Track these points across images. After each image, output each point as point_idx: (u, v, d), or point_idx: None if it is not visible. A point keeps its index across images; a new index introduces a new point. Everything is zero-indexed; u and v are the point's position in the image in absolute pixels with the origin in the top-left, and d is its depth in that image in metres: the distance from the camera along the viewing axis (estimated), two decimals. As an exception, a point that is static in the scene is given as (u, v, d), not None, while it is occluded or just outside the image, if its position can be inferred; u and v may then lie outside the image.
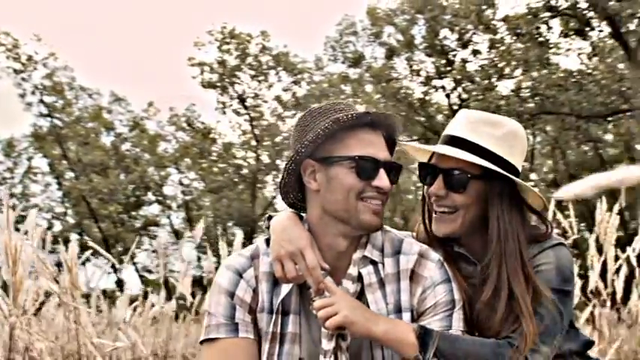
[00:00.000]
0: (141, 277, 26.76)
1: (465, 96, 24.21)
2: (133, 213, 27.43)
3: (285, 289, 2.01)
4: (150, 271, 27.70)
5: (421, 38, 24.52)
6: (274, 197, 27.46)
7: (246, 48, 25.51)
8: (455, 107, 24.83)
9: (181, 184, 27.24)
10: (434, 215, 2.18)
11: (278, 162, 26.56)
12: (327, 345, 1.95)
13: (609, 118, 20.11)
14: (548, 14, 19.41)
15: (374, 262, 2.03)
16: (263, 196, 27.52)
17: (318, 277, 1.94)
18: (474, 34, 23.53)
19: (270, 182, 27.50)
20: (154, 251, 27.69)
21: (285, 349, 1.99)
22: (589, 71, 20.28)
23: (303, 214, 2.10)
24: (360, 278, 2.01)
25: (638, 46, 18.32)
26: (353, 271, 2.01)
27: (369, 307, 1.98)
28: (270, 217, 2.12)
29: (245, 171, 26.27)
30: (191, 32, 46.84)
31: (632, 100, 17.91)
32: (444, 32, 23.88)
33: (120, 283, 23.82)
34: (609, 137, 24.57)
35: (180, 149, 26.71)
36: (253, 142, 26.48)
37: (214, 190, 25.75)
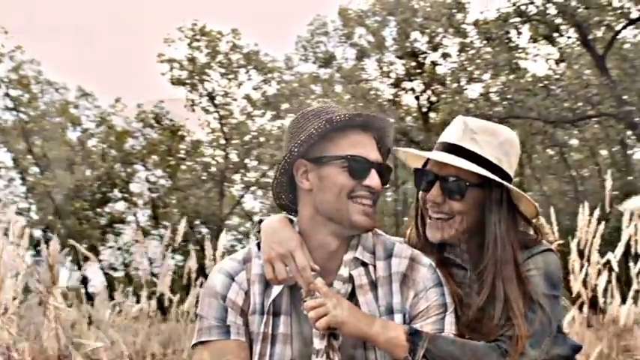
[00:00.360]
0: (105, 274, 26.46)
1: (434, 99, 24.41)
2: (99, 210, 27.08)
3: (276, 290, 2.02)
4: (114, 269, 27.41)
5: (392, 40, 24.67)
6: (242, 196, 27.36)
7: (216, 46, 25.35)
8: (424, 109, 25.04)
9: (148, 181, 26.99)
10: (429, 221, 2.20)
11: (247, 161, 26.48)
12: (319, 344, 1.97)
13: (576, 124, 20.40)
14: (518, 19, 19.62)
15: (365, 264, 2.05)
16: (231, 194, 27.39)
17: (308, 278, 1.96)
18: (444, 37, 23.74)
19: (239, 181, 27.39)
20: (119, 248, 27.44)
21: (277, 349, 2.00)
22: (556, 77, 20.57)
23: (294, 218, 2.11)
24: (350, 279, 2.03)
25: (605, 53, 18.62)
26: (344, 272, 2.02)
27: (360, 308, 1.99)
28: (260, 221, 2.15)
29: (213, 169, 26.11)
30: (161, 29, 46.51)
31: (598, 107, 18.19)
32: (415, 35, 24.05)
33: (84, 281, 23.54)
34: (574, 142, 24.98)
35: (148, 146, 26.46)
36: (222, 141, 26.33)
37: (182, 188, 25.55)
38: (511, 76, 20.75)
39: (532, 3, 19.03)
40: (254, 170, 26.90)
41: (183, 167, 26.77)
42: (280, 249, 1.99)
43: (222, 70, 25.79)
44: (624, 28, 19.06)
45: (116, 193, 27.31)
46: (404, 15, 23.17)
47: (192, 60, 25.38)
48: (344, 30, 25.38)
